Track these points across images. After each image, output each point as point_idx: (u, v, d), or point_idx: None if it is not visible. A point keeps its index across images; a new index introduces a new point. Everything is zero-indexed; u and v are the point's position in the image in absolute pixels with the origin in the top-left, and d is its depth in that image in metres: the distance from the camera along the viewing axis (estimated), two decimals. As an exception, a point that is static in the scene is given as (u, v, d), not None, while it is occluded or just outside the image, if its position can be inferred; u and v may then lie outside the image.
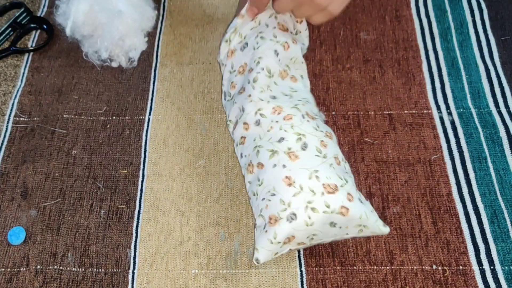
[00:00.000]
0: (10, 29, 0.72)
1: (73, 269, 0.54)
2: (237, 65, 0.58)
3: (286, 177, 0.48)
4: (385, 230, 0.50)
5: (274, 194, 0.49)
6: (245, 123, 0.54)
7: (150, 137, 0.63)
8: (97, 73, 0.69)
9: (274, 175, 0.49)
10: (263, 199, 0.50)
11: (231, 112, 0.57)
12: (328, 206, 0.47)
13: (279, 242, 0.49)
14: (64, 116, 0.65)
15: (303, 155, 0.49)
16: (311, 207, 0.47)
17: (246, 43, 0.58)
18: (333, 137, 0.53)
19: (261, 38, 0.56)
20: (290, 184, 0.48)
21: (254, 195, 0.51)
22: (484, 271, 0.53)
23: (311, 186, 0.47)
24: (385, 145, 0.61)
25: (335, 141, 0.53)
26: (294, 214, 0.47)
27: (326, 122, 0.62)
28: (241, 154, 0.55)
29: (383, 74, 0.66)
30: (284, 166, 0.49)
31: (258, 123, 0.53)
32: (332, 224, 0.48)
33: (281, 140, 0.51)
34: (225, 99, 0.60)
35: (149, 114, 0.65)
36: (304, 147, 0.50)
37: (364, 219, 0.48)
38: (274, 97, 0.54)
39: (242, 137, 0.55)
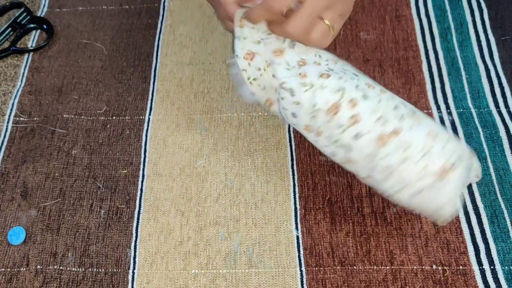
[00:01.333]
0: (10, 29, 0.72)
1: (73, 269, 0.54)
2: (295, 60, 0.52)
3: (433, 132, 0.47)
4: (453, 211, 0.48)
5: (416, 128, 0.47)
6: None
7: (150, 137, 0.63)
8: (97, 73, 0.69)
9: (426, 124, 0.48)
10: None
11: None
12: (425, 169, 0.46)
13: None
14: (64, 116, 0.65)
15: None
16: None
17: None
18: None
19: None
20: (428, 136, 0.47)
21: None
22: (484, 271, 0.53)
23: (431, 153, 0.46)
24: (385, 145, 0.61)
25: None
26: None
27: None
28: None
29: (383, 74, 0.66)
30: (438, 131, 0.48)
31: (365, 98, 0.48)
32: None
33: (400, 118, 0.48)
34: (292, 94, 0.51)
35: (149, 114, 0.65)
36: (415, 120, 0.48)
37: (451, 203, 0.47)
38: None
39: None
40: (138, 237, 0.56)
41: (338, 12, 0.52)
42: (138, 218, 0.57)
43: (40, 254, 0.55)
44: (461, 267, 0.53)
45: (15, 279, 0.54)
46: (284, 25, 0.49)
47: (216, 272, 0.54)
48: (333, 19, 0.52)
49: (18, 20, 0.73)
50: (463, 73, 0.66)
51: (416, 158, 0.46)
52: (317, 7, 0.50)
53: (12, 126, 0.64)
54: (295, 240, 0.55)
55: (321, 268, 0.53)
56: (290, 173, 0.59)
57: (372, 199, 0.57)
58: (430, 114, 0.63)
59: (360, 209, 0.56)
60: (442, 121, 0.62)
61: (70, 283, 0.53)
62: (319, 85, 0.47)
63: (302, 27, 0.49)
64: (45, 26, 0.73)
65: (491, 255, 0.53)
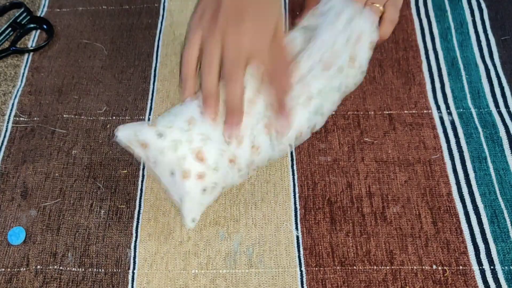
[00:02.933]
0: (10, 29, 0.72)
1: (73, 269, 0.54)
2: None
3: (193, 118, 0.49)
4: (190, 224, 0.50)
5: (175, 115, 0.50)
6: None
7: (150, 137, 0.63)
8: (97, 73, 0.69)
9: (192, 109, 0.50)
10: (169, 111, 0.51)
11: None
12: (184, 159, 0.48)
13: (138, 140, 0.49)
14: (64, 116, 0.65)
15: (218, 124, 0.49)
16: (177, 146, 0.48)
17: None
18: (257, 156, 0.51)
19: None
20: (189, 123, 0.49)
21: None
22: (484, 271, 0.53)
23: (193, 139, 0.48)
24: (385, 145, 0.61)
25: (254, 160, 0.51)
26: (164, 136, 0.48)
27: (326, 123, 0.62)
28: None
29: (383, 74, 0.66)
30: (202, 113, 0.49)
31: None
32: (172, 174, 0.49)
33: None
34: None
35: (149, 114, 0.65)
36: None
37: (187, 199, 0.49)
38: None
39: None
40: (138, 237, 0.56)
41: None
42: (138, 218, 0.57)
43: (40, 254, 0.55)
44: (461, 267, 0.53)
45: (15, 279, 0.54)
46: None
47: (216, 272, 0.54)
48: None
49: (18, 20, 0.73)
50: (463, 73, 0.66)
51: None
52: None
53: (12, 126, 0.64)
54: (295, 240, 0.55)
55: (321, 268, 0.53)
56: (290, 173, 0.59)
57: (372, 199, 0.57)
58: (430, 114, 0.63)
59: (360, 209, 0.56)
60: (442, 121, 0.62)
61: (70, 283, 0.53)
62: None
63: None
64: (45, 26, 0.73)
65: (491, 255, 0.53)
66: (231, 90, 0.48)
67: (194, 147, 0.48)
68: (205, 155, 0.48)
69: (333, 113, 0.63)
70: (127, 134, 0.50)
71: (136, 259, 0.55)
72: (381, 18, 0.58)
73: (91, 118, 0.65)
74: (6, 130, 0.64)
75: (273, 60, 0.49)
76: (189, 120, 0.49)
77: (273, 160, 0.54)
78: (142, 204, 0.58)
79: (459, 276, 0.52)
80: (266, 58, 0.49)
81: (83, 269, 0.54)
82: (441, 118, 0.62)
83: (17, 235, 0.56)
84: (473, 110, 0.63)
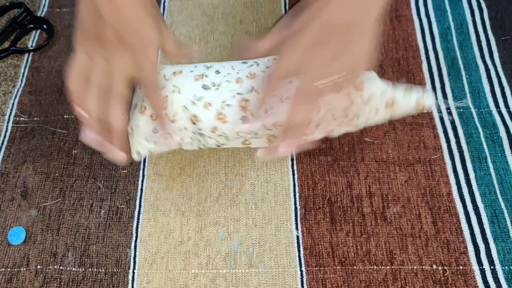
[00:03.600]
0: (10, 29, 0.72)
1: (73, 269, 0.54)
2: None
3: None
4: (134, 156, 0.52)
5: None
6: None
7: (150, 137, 0.63)
8: (97, 73, 0.69)
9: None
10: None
11: None
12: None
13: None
14: (65, 116, 0.65)
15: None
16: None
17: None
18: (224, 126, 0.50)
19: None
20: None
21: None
22: (484, 271, 0.53)
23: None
24: (385, 144, 0.61)
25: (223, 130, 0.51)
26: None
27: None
28: None
29: (383, 74, 0.66)
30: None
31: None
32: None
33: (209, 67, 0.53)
34: None
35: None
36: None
37: (137, 131, 0.51)
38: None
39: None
40: (138, 237, 0.56)
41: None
42: (138, 218, 0.57)
43: (40, 254, 0.55)
44: (461, 267, 0.53)
45: (15, 279, 0.54)
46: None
47: (216, 272, 0.54)
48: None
49: (18, 20, 0.73)
50: (463, 73, 0.66)
51: None
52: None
53: (12, 126, 0.64)
54: (295, 240, 0.55)
55: (321, 268, 0.53)
56: (290, 173, 0.59)
57: (372, 199, 0.57)
58: (430, 114, 0.63)
59: (360, 209, 0.56)
60: (442, 121, 0.62)
61: (70, 283, 0.53)
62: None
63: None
64: (45, 26, 0.73)
65: (491, 255, 0.53)
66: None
67: (169, 90, 0.50)
68: (167, 105, 0.49)
69: (333, 113, 0.63)
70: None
71: (136, 259, 0.55)
72: None
73: (91, 118, 0.65)
74: (6, 130, 0.64)
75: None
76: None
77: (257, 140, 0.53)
78: (142, 204, 0.58)
79: (459, 276, 0.52)
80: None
81: (83, 269, 0.54)
82: (441, 118, 0.62)
83: (17, 235, 0.56)
84: (473, 110, 0.63)
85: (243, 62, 0.53)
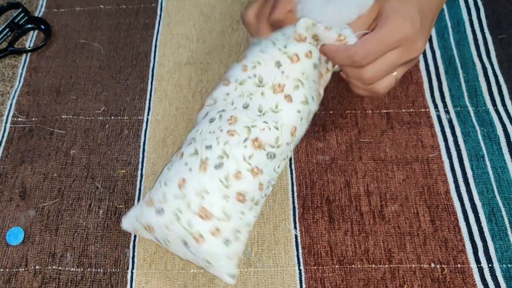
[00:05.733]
0: (7, 29, 0.72)
1: (72, 269, 0.54)
2: (242, 55, 0.55)
3: (183, 179, 0.48)
4: (228, 280, 0.49)
5: (166, 184, 0.49)
6: (207, 114, 0.53)
7: (149, 137, 0.63)
8: (95, 73, 0.69)
9: (178, 171, 0.49)
10: (159, 181, 0.51)
11: (209, 96, 0.55)
12: (189, 225, 0.47)
13: (141, 223, 0.50)
14: (63, 116, 0.65)
15: (210, 172, 0.48)
16: (178, 215, 0.47)
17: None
18: (261, 176, 0.50)
19: (272, 43, 0.53)
20: (180, 186, 0.48)
21: (161, 173, 0.52)
22: (482, 269, 0.53)
23: (190, 200, 0.47)
24: (382, 143, 0.61)
25: (261, 180, 0.50)
26: (163, 210, 0.48)
27: (324, 122, 0.62)
28: (188, 134, 0.54)
29: (381, 73, 0.66)
30: (190, 170, 0.48)
31: (211, 120, 0.51)
32: (185, 244, 0.48)
33: (208, 147, 0.49)
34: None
35: (148, 114, 0.65)
36: (218, 166, 0.48)
37: (213, 259, 0.48)
38: (246, 106, 0.51)
39: (197, 121, 0.54)
40: (137, 237, 0.56)
41: (409, 67, 0.54)
42: (136, 218, 0.57)
43: (38, 254, 0.55)
44: (459, 265, 0.53)
45: (13, 279, 0.54)
46: (363, 70, 0.51)
47: (215, 271, 0.54)
48: (403, 73, 0.54)
49: (15, 21, 0.73)
50: (460, 71, 0.66)
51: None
52: (397, 63, 0.51)
53: (10, 127, 0.64)
54: (294, 239, 0.55)
55: (320, 267, 0.53)
56: (288, 171, 0.59)
57: (370, 197, 0.57)
58: (427, 113, 0.63)
59: (358, 207, 0.57)
60: (439, 120, 0.62)
61: (69, 283, 0.53)
62: None
63: (378, 76, 0.51)
64: (42, 26, 0.73)
65: (489, 253, 0.53)
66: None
67: (194, 207, 0.47)
68: (209, 209, 0.47)
69: (331, 112, 0.63)
70: (130, 223, 0.52)
71: (135, 259, 0.55)
72: None
73: (89, 118, 0.65)
74: (4, 131, 0.64)
75: None
76: (179, 183, 0.48)
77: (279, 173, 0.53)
78: (140, 204, 0.58)
79: (457, 274, 0.52)
80: None
81: (81, 269, 0.54)
82: (439, 117, 0.62)
83: (15, 236, 0.56)
84: (470, 109, 0.63)
85: None
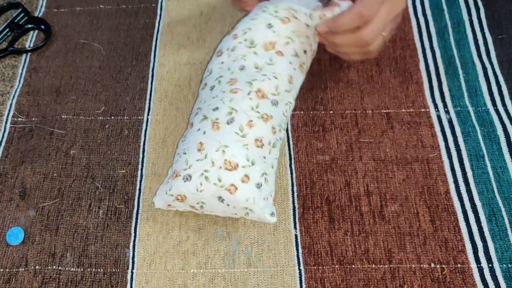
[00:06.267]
0: (7, 29, 0.72)
1: (72, 269, 0.54)
2: (233, 30, 0.60)
3: (200, 142, 0.51)
4: (271, 219, 0.52)
5: (185, 153, 0.52)
6: (205, 84, 0.57)
7: (149, 137, 0.63)
8: (95, 73, 0.69)
9: (194, 137, 0.53)
10: (178, 153, 0.54)
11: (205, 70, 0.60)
12: (219, 180, 0.50)
13: (172, 195, 0.52)
14: (63, 116, 0.65)
15: (224, 128, 0.52)
16: (205, 175, 0.50)
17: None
18: (272, 120, 0.54)
19: (263, 11, 0.58)
20: (199, 150, 0.51)
21: (176, 147, 0.55)
22: (482, 269, 0.53)
23: (213, 158, 0.50)
24: (382, 143, 0.61)
25: (272, 123, 0.54)
26: (190, 176, 0.51)
27: (324, 122, 0.62)
28: (192, 108, 0.58)
29: (381, 73, 0.66)
30: (204, 133, 0.52)
31: (212, 88, 0.55)
32: (220, 199, 0.51)
33: (215, 109, 0.53)
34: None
35: (148, 114, 0.65)
36: (230, 121, 0.52)
37: (250, 203, 0.51)
38: (242, 67, 0.55)
39: (198, 94, 0.58)
40: (137, 237, 0.56)
41: (395, 25, 0.58)
42: (136, 218, 0.57)
43: (38, 254, 0.55)
44: (459, 265, 0.53)
45: (14, 279, 0.54)
46: (362, 32, 0.54)
47: (215, 271, 0.54)
48: (391, 31, 0.57)
49: (15, 21, 0.73)
50: (460, 71, 0.66)
51: None
52: (388, 18, 0.55)
53: (10, 127, 0.64)
54: (294, 239, 0.55)
55: (320, 267, 0.53)
56: (288, 172, 0.59)
57: (370, 197, 0.57)
58: (427, 113, 0.63)
59: (358, 207, 0.57)
60: (439, 120, 0.62)
61: (69, 283, 0.53)
62: None
63: (376, 35, 0.55)
64: (42, 27, 0.73)
65: (489, 253, 0.53)
66: None
67: (219, 163, 0.50)
68: (233, 161, 0.50)
69: (331, 112, 0.63)
70: (161, 199, 0.54)
71: (135, 259, 0.55)
72: None
73: (89, 118, 0.65)
74: (4, 131, 0.64)
75: None
76: (197, 148, 0.51)
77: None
78: (140, 204, 0.58)
79: (457, 274, 0.52)
80: None
81: (81, 269, 0.54)
82: (439, 117, 0.62)
83: (15, 236, 0.56)
84: (470, 109, 0.63)
85: None
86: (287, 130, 0.62)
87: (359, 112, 0.63)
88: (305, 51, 0.58)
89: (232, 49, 0.57)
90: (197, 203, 0.52)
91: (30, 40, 0.73)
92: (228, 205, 0.51)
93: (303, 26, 0.58)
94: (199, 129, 0.53)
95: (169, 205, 0.54)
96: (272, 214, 0.52)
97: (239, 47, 0.57)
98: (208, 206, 0.52)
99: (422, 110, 0.63)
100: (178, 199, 0.52)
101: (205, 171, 0.50)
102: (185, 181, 0.51)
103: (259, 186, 0.51)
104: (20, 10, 0.73)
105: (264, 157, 0.52)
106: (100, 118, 0.65)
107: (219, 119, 0.52)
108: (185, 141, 0.54)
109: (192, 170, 0.51)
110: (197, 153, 0.51)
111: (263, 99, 0.54)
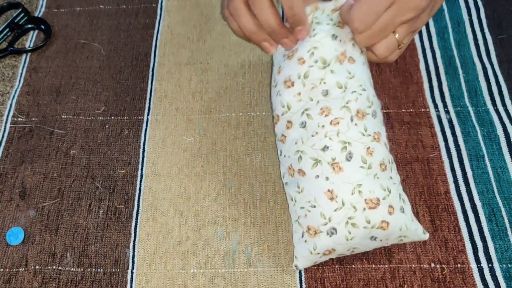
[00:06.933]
0: (7, 29, 0.72)
1: (72, 269, 0.54)
2: (289, 50, 0.54)
3: (329, 190, 0.47)
4: (425, 236, 0.51)
5: (314, 206, 0.48)
6: (289, 121, 0.52)
7: (148, 137, 0.63)
8: (95, 73, 0.69)
9: (316, 187, 0.48)
10: (302, 207, 0.49)
11: (275, 104, 0.54)
12: (368, 222, 0.47)
13: (319, 253, 0.49)
14: (63, 116, 0.65)
15: (347, 167, 0.48)
16: (351, 222, 0.47)
17: None
18: (382, 136, 0.50)
19: (317, 23, 0.52)
20: (332, 199, 0.47)
21: (292, 200, 0.51)
22: (482, 269, 0.53)
23: (353, 202, 0.47)
24: (383, 143, 0.61)
25: (383, 139, 0.51)
26: (335, 229, 0.47)
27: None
28: (281, 152, 0.53)
29: (380, 73, 0.66)
30: (327, 178, 0.48)
31: (303, 124, 0.51)
32: (373, 238, 0.48)
33: (325, 148, 0.48)
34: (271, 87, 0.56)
35: (148, 114, 0.65)
36: (349, 157, 0.48)
37: (404, 231, 0.49)
38: (326, 92, 0.50)
39: (283, 135, 0.53)
40: (137, 237, 0.56)
41: (412, 29, 0.51)
42: (136, 218, 0.57)
43: (38, 254, 0.55)
44: (459, 265, 0.53)
45: (14, 279, 0.54)
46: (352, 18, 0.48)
47: (215, 271, 0.54)
48: (405, 34, 0.51)
49: (15, 21, 0.73)
50: (460, 71, 0.66)
51: None
52: (396, 20, 0.49)
53: (10, 127, 0.64)
54: (294, 239, 0.55)
55: (320, 267, 0.53)
56: (289, 172, 0.59)
57: (370, 197, 0.57)
58: (427, 113, 0.63)
59: (359, 207, 0.56)
60: (439, 120, 0.62)
61: (69, 283, 0.53)
62: None
63: (368, 34, 0.49)
64: (42, 27, 0.73)
65: (489, 253, 0.53)
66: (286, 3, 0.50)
67: (361, 205, 0.47)
68: (373, 197, 0.47)
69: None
70: (306, 261, 0.51)
71: (135, 259, 0.55)
72: None
73: (89, 118, 0.65)
74: (4, 131, 0.64)
75: None
76: (328, 197, 0.48)
77: None
78: (140, 204, 0.58)
79: (457, 274, 0.52)
80: None
81: (81, 269, 0.54)
82: (439, 117, 0.62)
83: (15, 236, 0.56)
84: (470, 109, 0.63)
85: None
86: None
87: (359, 112, 0.63)
88: (362, 50, 0.53)
89: (305, 76, 0.51)
90: (348, 250, 0.50)
91: (30, 40, 0.73)
92: (381, 240, 0.49)
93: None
94: (318, 176, 0.48)
95: (315, 262, 0.51)
96: (423, 232, 0.51)
97: (312, 71, 0.51)
98: (359, 249, 0.50)
99: (422, 110, 0.63)
100: (325, 254, 0.49)
101: (350, 218, 0.47)
102: (330, 236, 0.47)
103: (402, 210, 0.49)
104: (20, 10, 0.73)
105: (391, 177, 0.50)
106: (100, 118, 0.65)
107: (337, 159, 0.48)
108: (304, 192, 0.49)
109: (334, 222, 0.47)
110: (331, 203, 0.47)
111: (365, 118, 0.49)
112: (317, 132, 0.49)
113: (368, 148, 0.48)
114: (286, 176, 0.52)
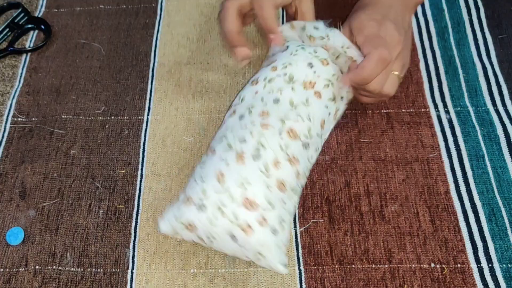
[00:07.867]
0: (7, 29, 0.72)
1: (72, 269, 0.54)
2: (269, 61, 0.57)
3: (221, 173, 0.49)
4: (282, 270, 0.49)
5: (203, 180, 0.49)
6: (234, 111, 0.54)
7: (148, 137, 0.63)
8: (95, 73, 0.69)
9: (214, 166, 0.50)
10: (194, 178, 0.51)
11: (236, 97, 0.56)
12: (236, 217, 0.47)
13: (182, 223, 0.49)
14: (63, 116, 0.65)
15: (249, 164, 0.49)
16: (222, 209, 0.47)
17: (287, 46, 0.57)
18: (299, 165, 0.51)
19: (302, 48, 0.55)
20: (219, 180, 0.48)
21: (192, 175, 0.52)
22: (482, 269, 0.53)
23: (234, 193, 0.47)
24: (382, 143, 0.61)
25: (299, 170, 0.51)
26: (205, 207, 0.48)
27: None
28: (215, 134, 0.55)
29: (381, 73, 0.66)
30: (227, 164, 0.49)
31: (241, 117, 0.52)
32: (233, 238, 0.48)
33: (242, 141, 0.50)
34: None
35: (148, 114, 0.65)
36: (256, 157, 0.49)
37: (265, 249, 0.48)
38: (277, 101, 0.52)
39: (224, 121, 0.55)
40: (137, 237, 0.56)
41: (402, 62, 0.57)
42: (136, 218, 0.57)
43: (38, 254, 0.55)
44: (459, 265, 0.53)
45: (14, 279, 0.54)
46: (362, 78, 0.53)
47: (215, 271, 0.54)
48: (400, 68, 0.57)
49: (16, 21, 0.73)
50: (460, 71, 0.66)
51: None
52: (386, 60, 0.53)
53: (10, 127, 0.64)
54: (294, 239, 0.55)
55: (320, 267, 0.53)
56: (288, 172, 0.59)
57: (370, 197, 0.57)
58: (427, 113, 0.63)
59: (358, 207, 0.57)
60: (439, 120, 0.62)
61: (69, 283, 0.53)
62: None
63: (381, 82, 0.54)
64: (42, 27, 0.73)
65: (489, 253, 0.53)
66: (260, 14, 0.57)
67: (238, 199, 0.47)
68: (254, 199, 0.48)
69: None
70: (169, 224, 0.50)
71: (135, 259, 0.55)
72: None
73: (90, 118, 0.65)
74: (4, 131, 0.64)
75: None
76: (217, 178, 0.48)
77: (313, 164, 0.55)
78: (140, 204, 0.58)
79: (457, 274, 0.52)
80: None
81: (81, 269, 0.54)
82: (439, 117, 0.62)
83: (15, 236, 0.56)
84: (470, 109, 0.63)
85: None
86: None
87: (359, 112, 0.63)
88: (342, 97, 0.56)
89: (269, 80, 0.54)
90: (207, 237, 0.49)
91: (30, 40, 0.73)
92: (240, 245, 0.48)
93: (340, 72, 0.56)
94: (222, 159, 0.50)
95: (175, 231, 0.51)
96: (284, 264, 0.49)
97: (277, 80, 0.53)
98: (218, 242, 0.49)
99: (422, 110, 0.63)
100: (187, 228, 0.49)
101: (222, 205, 0.47)
102: (199, 211, 0.48)
103: (275, 232, 0.48)
104: (20, 10, 0.73)
105: (284, 202, 0.49)
106: (100, 118, 0.65)
107: (245, 153, 0.49)
108: (204, 167, 0.51)
109: (208, 201, 0.48)
110: (216, 184, 0.48)
111: (295, 140, 0.50)
112: (246, 126, 0.51)
113: (278, 162, 0.49)
114: (204, 155, 0.53)
